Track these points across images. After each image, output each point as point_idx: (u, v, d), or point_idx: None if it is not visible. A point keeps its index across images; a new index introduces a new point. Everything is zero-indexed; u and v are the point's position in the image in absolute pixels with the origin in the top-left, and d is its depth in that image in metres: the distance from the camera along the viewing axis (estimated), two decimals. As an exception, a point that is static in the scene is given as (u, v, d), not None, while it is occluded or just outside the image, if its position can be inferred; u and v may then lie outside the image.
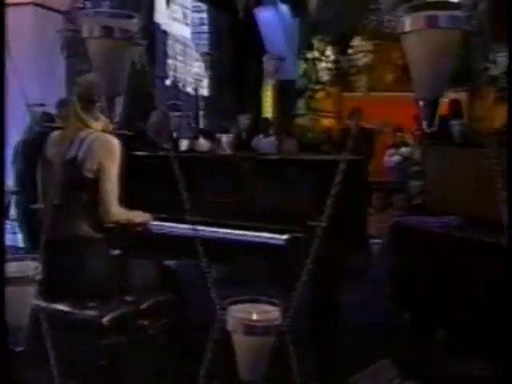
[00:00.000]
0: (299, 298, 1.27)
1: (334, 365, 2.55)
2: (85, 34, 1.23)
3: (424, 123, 1.08)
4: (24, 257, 1.45)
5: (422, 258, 3.36)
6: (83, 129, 2.43)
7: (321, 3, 9.04)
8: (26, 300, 1.42)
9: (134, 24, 1.26)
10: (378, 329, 3.19)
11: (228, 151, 4.31)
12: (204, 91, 11.61)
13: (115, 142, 2.42)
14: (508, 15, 1.52)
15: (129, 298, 2.42)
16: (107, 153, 2.39)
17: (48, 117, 4.72)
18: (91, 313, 2.32)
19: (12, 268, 1.39)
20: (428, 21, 1.03)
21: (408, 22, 1.06)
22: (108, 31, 1.22)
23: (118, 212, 2.42)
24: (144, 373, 2.44)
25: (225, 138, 4.53)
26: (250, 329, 1.26)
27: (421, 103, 1.10)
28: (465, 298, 2.96)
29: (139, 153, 3.23)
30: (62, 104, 4.64)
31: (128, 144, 2.56)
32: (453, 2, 1.07)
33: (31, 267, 1.42)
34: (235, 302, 1.28)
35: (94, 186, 2.37)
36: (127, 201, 2.45)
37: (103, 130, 2.45)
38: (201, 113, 11.35)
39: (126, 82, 1.29)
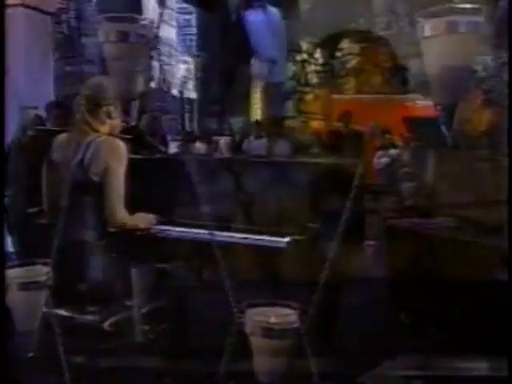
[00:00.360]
0: (318, 301, 1.27)
1: (334, 366, 2.55)
2: (101, 39, 1.22)
3: (443, 127, 1.09)
4: (35, 262, 1.44)
5: (416, 260, 3.38)
6: (90, 132, 2.42)
7: (310, 6, 9.08)
8: (37, 305, 1.41)
9: (149, 28, 1.26)
10: (376, 330, 3.21)
11: (226, 154, 4.30)
12: (191, 93, 11.59)
13: (122, 146, 2.42)
14: (508, 16, 1.55)
15: (129, 303, 2.41)
16: (114, 155, 2.38)
17: (38, 119, 4.67)
18: (92, 317, 2.31)
19: (24, 273, 1.38)
20: (448, 26, 1.04)
21: (428, 27, 1.07)
22: (124, 36, 1.21)
23: (123, 215, 2.39)
24: (144, 376, 2.44)
25: (223, 141, 4.52)
26: (268, 332, 1.26)
27: (439, 107, 1.11)
28: (460, 298, 2.98)
29: (137, 156, 3.20)
30: (51, 106, 4.61)
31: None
32: (470, 8, 1.08)
33: (43, 272, 1.41)
34: (253, 305, 1.28)
35: (99, 189, 2.35)
36: (126, 204, 2.44)
37: (109, 134, 2.44)
38: (187, 115, 11.34)
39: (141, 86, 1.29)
